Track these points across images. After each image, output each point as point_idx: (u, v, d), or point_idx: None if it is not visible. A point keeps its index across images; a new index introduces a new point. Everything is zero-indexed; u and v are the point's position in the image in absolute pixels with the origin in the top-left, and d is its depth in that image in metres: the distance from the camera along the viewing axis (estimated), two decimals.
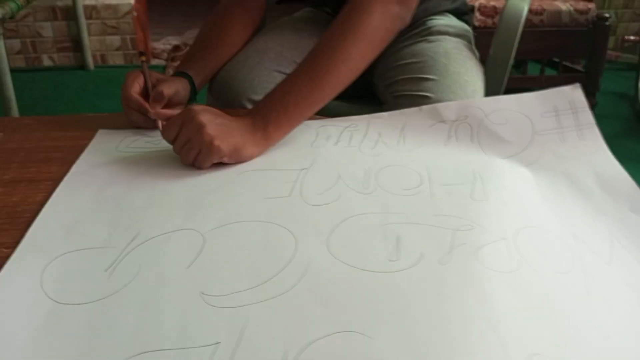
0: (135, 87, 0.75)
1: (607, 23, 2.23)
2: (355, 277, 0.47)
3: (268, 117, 0.67)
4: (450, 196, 0.60)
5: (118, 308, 0.43)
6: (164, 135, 0.65)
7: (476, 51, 1.00)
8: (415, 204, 0.58)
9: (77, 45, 2.73)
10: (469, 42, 1.01)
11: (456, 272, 0.48)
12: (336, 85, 0.71)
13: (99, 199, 0.58)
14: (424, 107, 0.78)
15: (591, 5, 2.31)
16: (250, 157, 0.66)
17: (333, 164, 0.66)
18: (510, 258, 0.50)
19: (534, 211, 0.59)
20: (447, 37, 0.96)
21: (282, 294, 0.45)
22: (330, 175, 0.64)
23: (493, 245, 0.52)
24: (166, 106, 0.77)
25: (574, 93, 0.75)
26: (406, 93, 0.87)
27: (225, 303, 0.44)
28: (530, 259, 0.50)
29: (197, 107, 0.64)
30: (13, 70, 1.85)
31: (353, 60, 0.71)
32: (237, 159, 0.65)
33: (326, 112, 0.85)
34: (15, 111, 1.85)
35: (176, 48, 2.96)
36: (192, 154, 0.64)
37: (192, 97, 0.84)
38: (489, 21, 2.24)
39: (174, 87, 0.78)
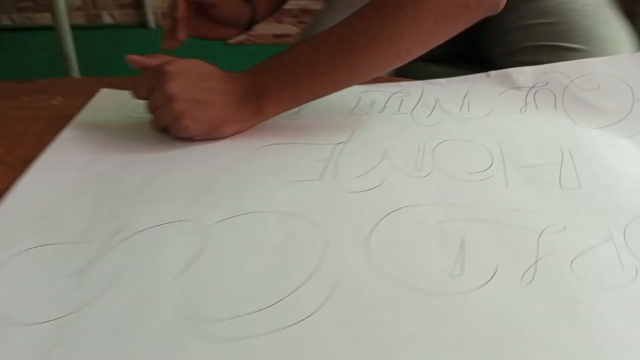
0: None
1: None
2: (404, 299, 0.34)
3: (268, 88, 0.51)
4: (531, 183, 0.45)
5: (80, 333, 0.32)
6: (133, 92, 0.53)
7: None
8: (485, 194, 0.44)
9: (138, 2, 2.63)
10: None
11: (545, 294, 0.34)
12: (371, 68, 0.51)
13: (85, 175, 0.47)
14: (492, 72, 0.63)
15: None
16: (231, 135, 0.52)
17: (378, 136, 0.53)
18: (621, 266, 0.37)
19: None
20: None
21: (301, 321, 0.32)
22: (374, 151, 0.50)
23: (595, 251, 0.38)
24: (212, 21, 0.67)
25: None
26: None
27: (223, 331, 0.32)
28: None
29: (172, 68, 0.50)
30: (73, 28, 1.77)
31: (404, 42, 0.50)
32: (213, 137, 0.52)
33: (408, 74, 0.69)
34: (75, 71, 1.78)
35: None
36: (161, 125, 0.52)
37: (250, 24, 0.73)
38: None
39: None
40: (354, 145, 0.51)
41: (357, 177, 0.46)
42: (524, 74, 0.62)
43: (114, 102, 0.60)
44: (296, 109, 0.58)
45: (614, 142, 0.52)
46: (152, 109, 0.52)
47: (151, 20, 2.65)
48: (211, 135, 0.52)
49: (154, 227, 0.40)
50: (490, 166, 0.48)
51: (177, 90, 0.49)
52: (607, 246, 0.39)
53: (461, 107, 0.58)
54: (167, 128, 0.52)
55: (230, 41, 2.30)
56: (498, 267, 0.36)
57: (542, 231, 0.40)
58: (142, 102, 0.53)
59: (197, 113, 0.50)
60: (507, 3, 0.73)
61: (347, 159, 0.49)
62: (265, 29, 2.53)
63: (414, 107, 0.58)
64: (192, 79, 0.50)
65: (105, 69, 2.21)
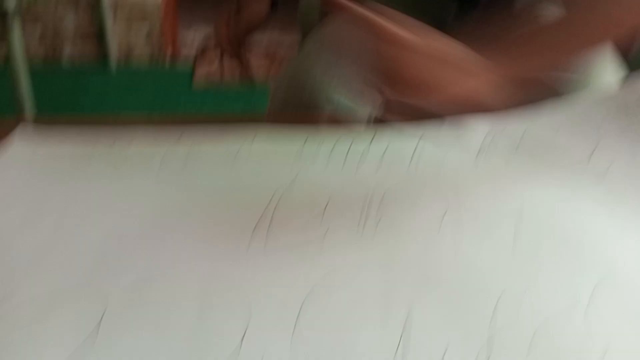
0: None
1: None
2: None
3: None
4: (485, 237, 0.41)
5: None
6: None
7: None
8: (435, 252, 0.39)
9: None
10: None
11: None
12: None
13: None
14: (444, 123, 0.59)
15: None
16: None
17: (320, 183, 0.48)
18: (590, 339, 0.32)
19: (618, 251, 0.40)
20: None
21: None
22: (314, 201, 0.45)
23: (558, 319, 0.33)
24: None
25: None
26: None
27: None
28: (623, 337, 0.32)
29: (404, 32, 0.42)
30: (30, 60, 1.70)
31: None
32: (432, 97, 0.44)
33: None
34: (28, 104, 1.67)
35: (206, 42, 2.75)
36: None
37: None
38: None
39: None
40: (293, 194, 0.46)
41: (294, 231, 0.41)
42: (478, 122, 0.58)
43: (30, 142, 0.54)
44: (235, 151, 0.53)
45: (578, 186, 0.48)
46: None
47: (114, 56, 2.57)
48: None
49: (44, 295, 0.34)
50: (443, 217, 0.43)
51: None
52: (572, 314, 0.34)
53: (412, 155, 0.53)
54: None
55: None
56: (447, 348, 0.31)
57: (499, 297, 0.35)
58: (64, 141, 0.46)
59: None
60: None
61: (283, 210, 0.44)
62: None
63: (363, 152, 0.53)
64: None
65: (65, 106, 2.10)
